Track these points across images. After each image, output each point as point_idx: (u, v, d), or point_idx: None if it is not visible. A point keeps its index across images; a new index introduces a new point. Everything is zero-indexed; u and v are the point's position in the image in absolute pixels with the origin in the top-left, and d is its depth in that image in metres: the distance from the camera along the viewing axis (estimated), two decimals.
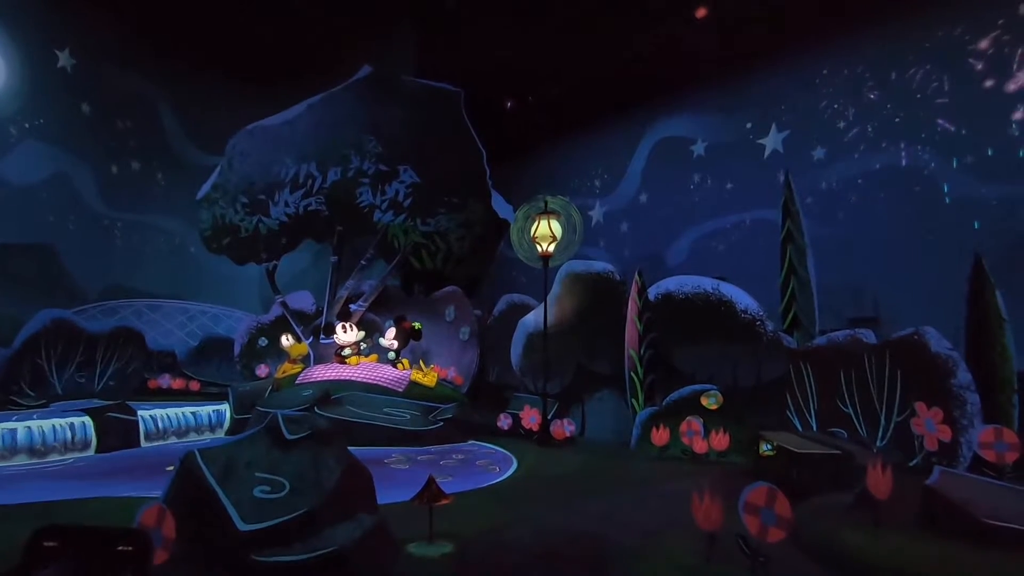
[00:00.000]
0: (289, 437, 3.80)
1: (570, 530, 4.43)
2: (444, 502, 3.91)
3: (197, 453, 3.69)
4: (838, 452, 5.34)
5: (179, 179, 15.50)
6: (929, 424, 5.65)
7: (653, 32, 14.80)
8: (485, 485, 5.96)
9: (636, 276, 8.55)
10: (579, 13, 14.91)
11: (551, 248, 8.84)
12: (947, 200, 11.08)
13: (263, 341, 12.77)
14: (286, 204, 13.14)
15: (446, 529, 4.24)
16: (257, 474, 3.59)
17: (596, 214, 18.44)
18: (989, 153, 10.62)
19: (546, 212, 8.87)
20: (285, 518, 3.25)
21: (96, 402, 8.90)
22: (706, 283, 8.46)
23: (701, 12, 13.46)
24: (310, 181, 13.16)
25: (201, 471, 3.56)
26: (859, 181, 12.82)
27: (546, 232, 8.72)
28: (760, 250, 13.62)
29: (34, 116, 13.01)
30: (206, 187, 13.57)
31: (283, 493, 3.44)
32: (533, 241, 8.93)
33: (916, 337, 6.50)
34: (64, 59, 13.50)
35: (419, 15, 16.62)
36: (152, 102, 15.52)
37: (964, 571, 3.21)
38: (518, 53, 16.49)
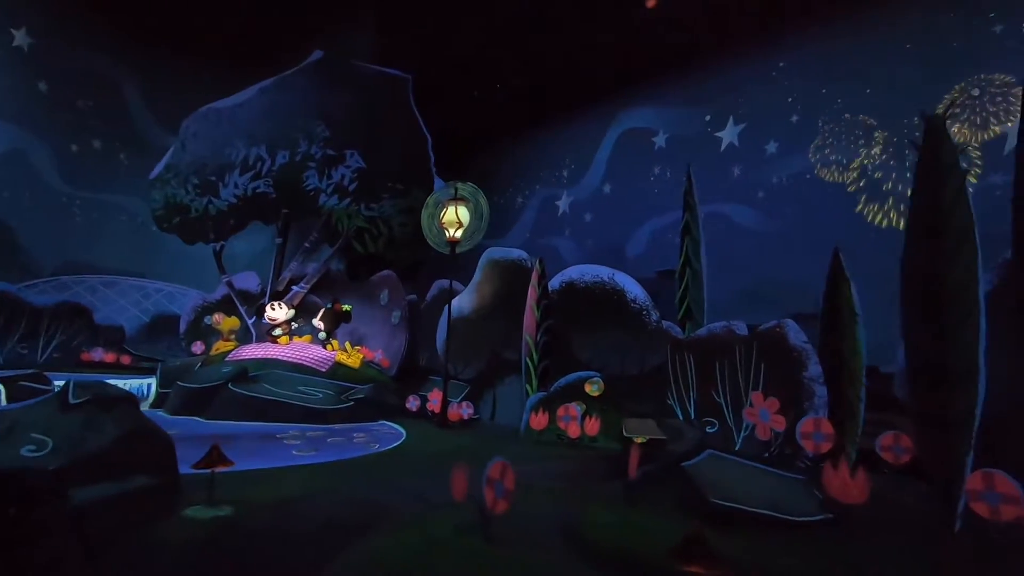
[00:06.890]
0: (72, 401, 4.01)
1: (367, 501, 4.61)
2: (223, 468, 4.11)
3: None
4: (663, 438, 5.47)
5: (142, 158, 15.70)
6: (764, 414, 5.74)
7: (617, 23, 14.75)
8: (336, 459, 6.16)
9: (536, 263, 8.65)
10: (546, 3, 14.92)
11: (458, 234, 8.94)
12: (889, 198, 11.03)
13: (208, 319, 13.05)
14: (235, 186, 13.37)
15: (252, 496, 4.47)
16: (32, 435, 3.81)
17: (563, 204, 18.48)
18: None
19: (455, 199, 8.98)
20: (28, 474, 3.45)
21: (12, 372, 9.20)
22: (603, 272, 8.54)
23: (651, 2, 13.37)
24: (259, 163, 13.37)
25: None
26: (807, 176, 12.78)
27: (453, 218, 8.83)
28: (713, 244, 13.66)
29: None
30: (159, 167, 13.86)
31: (44, 452, 3.66)
32: (441, 227, 9.05)
33: (778, 329, 6.58)
34: (20, 38, 13.76)
35: (383, 2, 16.67)
36: (115, 82, 15.73)
37: (662, 543, 3.31)
38: (484, 44, 16.52)
